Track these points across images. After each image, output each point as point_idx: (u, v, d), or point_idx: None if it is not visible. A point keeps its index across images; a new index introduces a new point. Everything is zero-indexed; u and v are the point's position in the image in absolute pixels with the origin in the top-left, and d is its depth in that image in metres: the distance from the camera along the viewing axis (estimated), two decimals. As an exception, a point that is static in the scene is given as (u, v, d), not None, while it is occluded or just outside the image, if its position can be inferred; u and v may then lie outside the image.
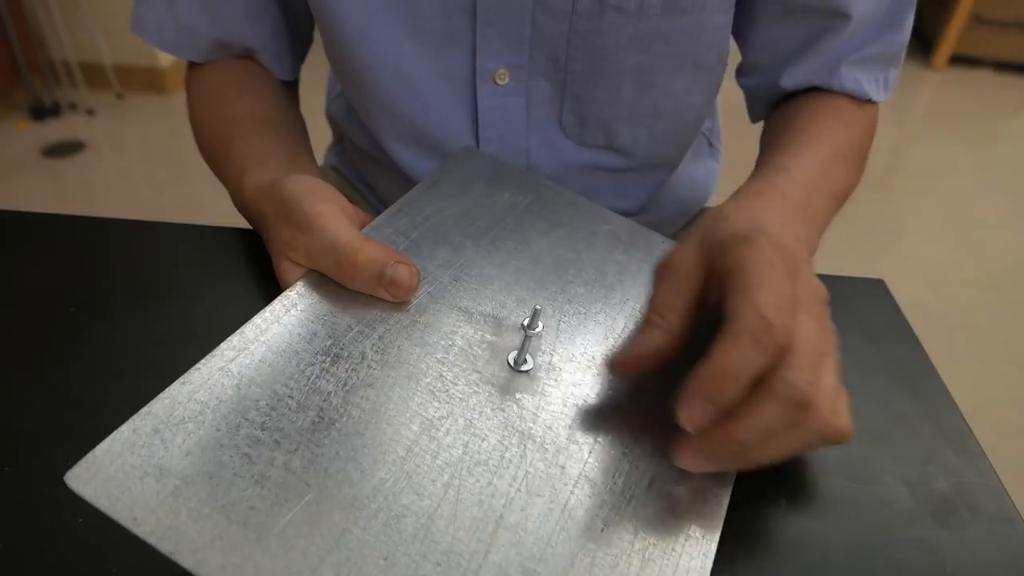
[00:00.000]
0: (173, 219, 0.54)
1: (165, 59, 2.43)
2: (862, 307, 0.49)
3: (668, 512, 0.29)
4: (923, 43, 3.11)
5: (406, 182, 0.58)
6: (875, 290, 0.51)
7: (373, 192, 0.67)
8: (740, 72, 0.57)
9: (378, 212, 0.67)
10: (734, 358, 0.27)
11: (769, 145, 0.51)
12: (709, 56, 0.51)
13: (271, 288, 0.44)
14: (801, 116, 0.51)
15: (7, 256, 0.46)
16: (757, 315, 0.27)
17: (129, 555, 0.31)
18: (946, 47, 2.95)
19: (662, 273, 0.33)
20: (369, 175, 0.66)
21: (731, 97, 0.67)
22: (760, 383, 0.28)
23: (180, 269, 0.46)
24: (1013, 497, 0.36)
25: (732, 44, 0.55)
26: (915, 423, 0.40)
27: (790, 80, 0.52)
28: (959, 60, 3.01)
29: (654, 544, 0.28)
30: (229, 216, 0.49)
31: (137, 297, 0.43)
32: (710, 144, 0.70)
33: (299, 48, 0.59)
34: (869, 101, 0.52)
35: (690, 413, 0.28)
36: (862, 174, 0.53)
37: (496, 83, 0.50)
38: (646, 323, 0.32)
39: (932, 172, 2.31)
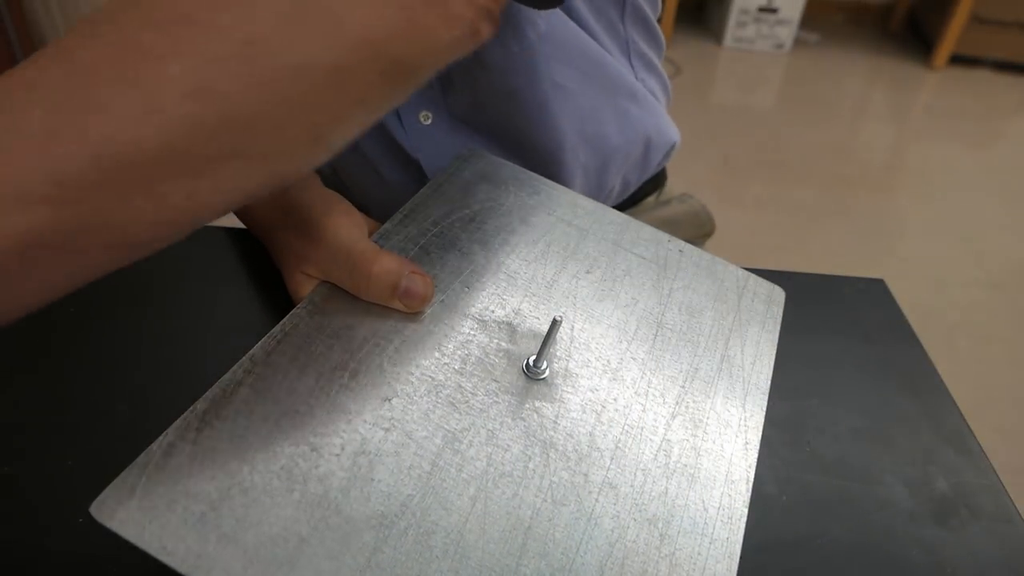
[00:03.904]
0: (173, 219, 0.54)
1: (165, 59, 2.43)
2: (862, 307, 0.49)
3: (692, 516, 0.29)
4: (923, 43, 3.11)
5: (373, 177, 0.59)
6: (875, 290, 0.51)
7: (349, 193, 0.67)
8: None
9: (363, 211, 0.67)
10: None
11: None
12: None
13: (272, 288, 0.44)
14: None
15: (7, 256, 0.46)
16: None
17: (129, 555, 0.31)
18: (946, 47, 2.95)
19: None
20: (344, 175, 0.66)
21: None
22: None
23: (180, 269, 0.46)
24: (1013, 497, 0.36)
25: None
26: (915, 423, 0.40)
27: None
28: (959, 60, 3.01)
29: (680, 548, 0.28)
30: (229, 216, 0.49)
31: (137, 297, 0.43)
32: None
33: None
34: None
35: None
36: None
37: (421, 122, 0.53)
38: None
39: (932, 172, 2.31)
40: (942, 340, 1.62)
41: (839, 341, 0.46)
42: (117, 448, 0.26)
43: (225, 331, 0.41)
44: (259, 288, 0.45)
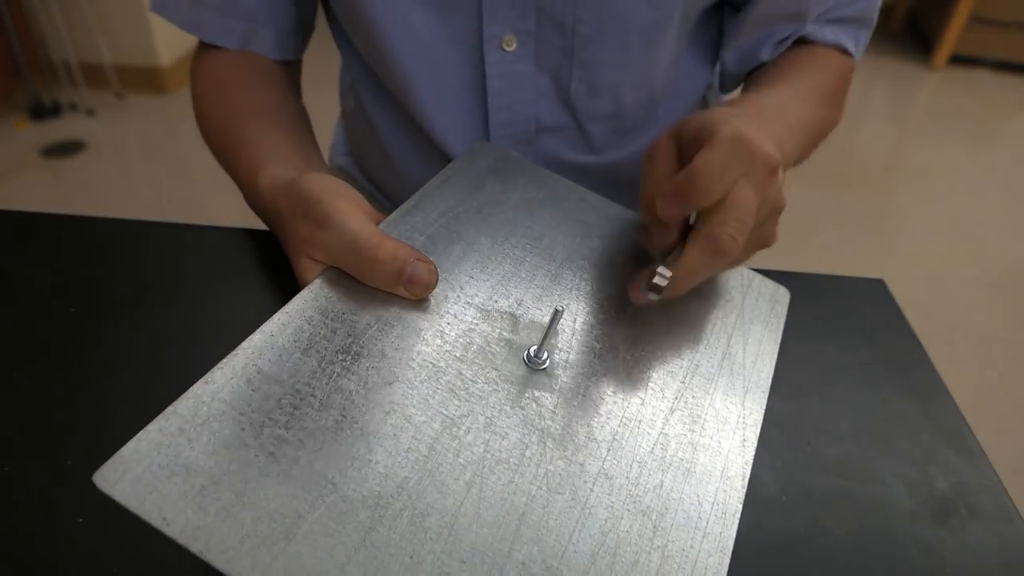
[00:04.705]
0: (174, 219, 0.54)
1: (165, 59, 2.43)
2: (862, 307, 0.49)
3: (687, 509, 0.29)
4: (923, 43, 3.11)
5: (412, 177, 0.59)
6: (875, 290, 0.51)
7: (381, 191, 0.67)
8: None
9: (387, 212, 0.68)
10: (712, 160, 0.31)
11: (748, 87, 0.54)
12: (710, 25, 0.54)
13: (271, 288, 0.44)
14: (778, 63, 0.54)
15: (7, 256, 0.46)
16: (733, 133, 0.32)
17: (129, 555, 0.31)
18: (946, 47, 2.95)
19: (642, 162, 0.37)
20: (376, 172, 0.66)
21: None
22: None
23: (180, 269, 0.46)
24: (1013, 497, 0.36)
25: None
26: (915, 423, 0.40)
27: (768, 53, 0.55)
28: (959, 60, 3.01)
29: (673, 540, 0.28)
30: (230, 216, 0.49)
31: (137, 297, 0.43)
32: None
33: (303, 30, 0.59)
34: (843, 52, 0.54)
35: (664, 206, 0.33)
36: (839, 115, 0.55)
37: (504, 50, 0.50)
38: (648, 224, 0.37)
39: (932, 172, 2.31)
40: (942, 340, 1.62)
41: (839, 341, 0.46)
42: (117, 448, 0.26)
43: (224, 330, 0.41)
44: (258, 288, 0.45)
